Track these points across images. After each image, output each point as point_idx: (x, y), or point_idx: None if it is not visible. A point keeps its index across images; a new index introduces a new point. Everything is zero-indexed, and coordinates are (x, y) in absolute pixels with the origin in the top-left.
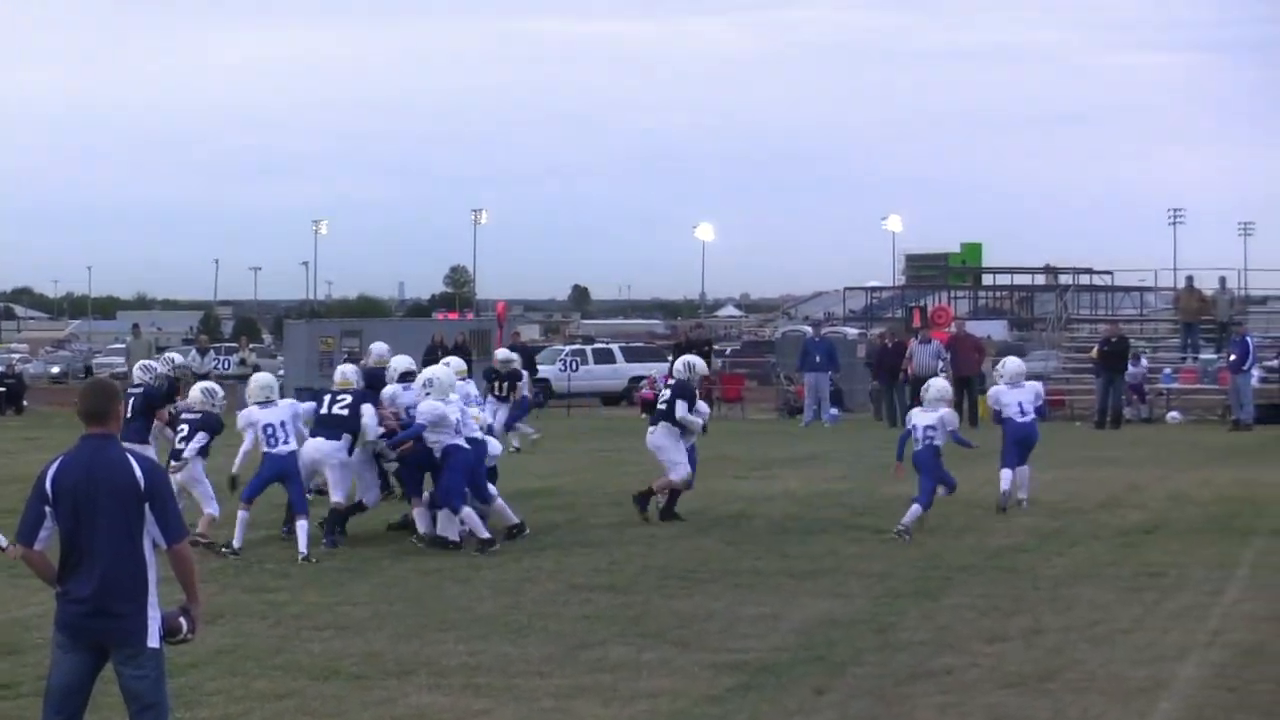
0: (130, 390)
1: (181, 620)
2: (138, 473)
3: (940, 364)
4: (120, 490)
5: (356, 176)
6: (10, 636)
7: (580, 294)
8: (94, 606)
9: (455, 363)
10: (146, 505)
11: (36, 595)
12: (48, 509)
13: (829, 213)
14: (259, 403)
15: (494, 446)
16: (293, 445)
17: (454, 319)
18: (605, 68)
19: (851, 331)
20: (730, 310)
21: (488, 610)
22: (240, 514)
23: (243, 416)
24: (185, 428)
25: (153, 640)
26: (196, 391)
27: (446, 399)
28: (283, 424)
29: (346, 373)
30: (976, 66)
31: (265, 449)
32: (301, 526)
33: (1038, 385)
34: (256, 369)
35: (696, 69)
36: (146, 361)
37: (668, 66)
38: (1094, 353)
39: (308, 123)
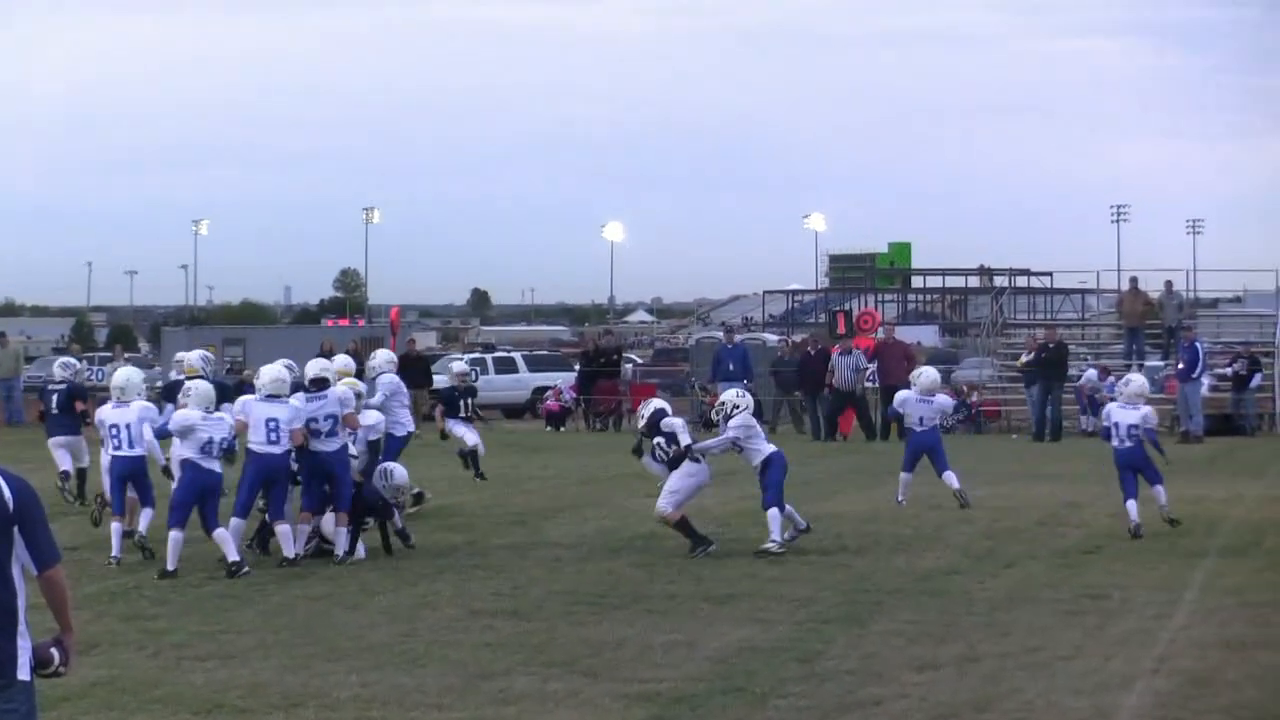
0: (52, 387)
1: (53, 651)
2: (5, 493)
3: (860, 376)
4: None
5: (239, 172)
6: None
7: (480, 298)
8: None
9: (341, 360)
10: (15, 528)
11: None
12: None
13: (746, 210)
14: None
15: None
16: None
17: (344, 325)
18: (498, 51)
19: (771, 338)
20: (641, 315)
21: (381, 638)
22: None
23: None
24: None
25: (22, 672)
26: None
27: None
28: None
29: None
30: (907, 52)
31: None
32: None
33: (947, 400)
34: None
35: (600, 53)
36: (66, 359)
37: (570, 50)
38: (1020, 361)
39: (185, 114)
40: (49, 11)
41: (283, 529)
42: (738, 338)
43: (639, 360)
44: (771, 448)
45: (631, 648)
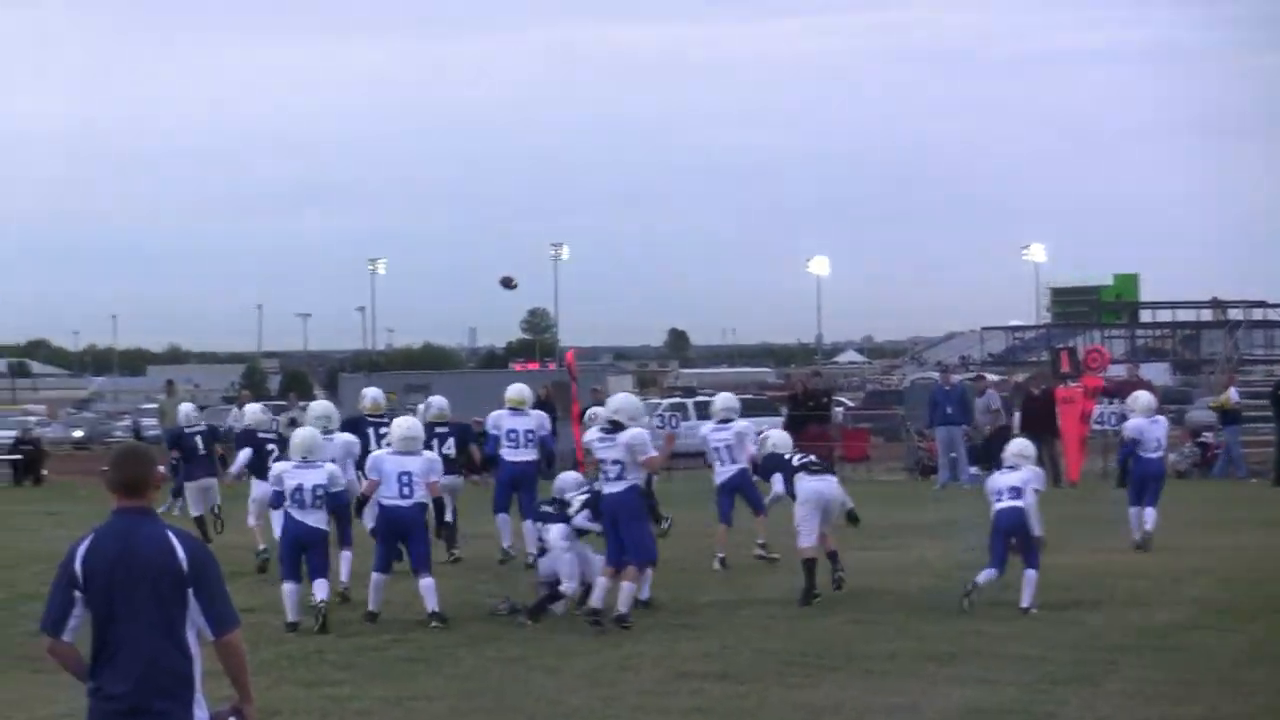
0: (191, 430)
1: None
2: (180, 553)
3: (993, 416)
4: (161, 573)
5: (418, 208)
6: None
7: (678, 339)
8: (131, 705)
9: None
10: (190, 590)
11: (64, 692)
12: (77, 594)
13: (962, 243)
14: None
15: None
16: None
17: (534, 369)
18: (692, 77)
19: (991, 378)
20: (851, 355)
21: (580, 703)
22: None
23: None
24: None
25: None
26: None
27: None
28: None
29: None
30: (1127, 70)
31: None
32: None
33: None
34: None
35: (798, 78)
36: (191, 406)
37: (766, 76)
38: (1222, 400)
39: (359, 148)
40: (212, 46)
41: (426, 583)
42: (955, 378)
43: (850, 403)
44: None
45: (849, 712)
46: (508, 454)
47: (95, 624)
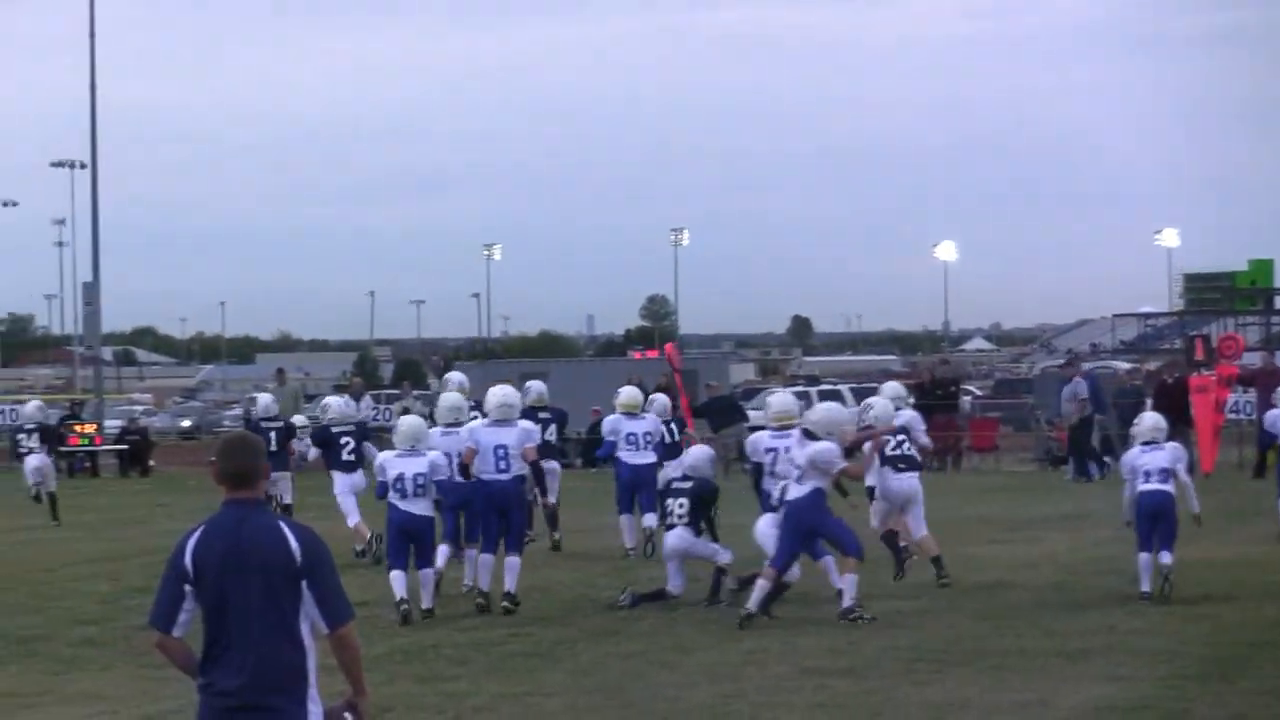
0: (268, 425)
1: (347, 716)
2: (293, 545)
3: (1078, 405)
4: (273, 566)
5: (533, 194)
6: None
7: (801, 326)
8: (243, 701)
9: (455, 377)
10: (304, 583)
11: (170, 687)
12: (187, 588)
13: (1092, 227)
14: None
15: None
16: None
17: (653, 357)
18: (812, 59)
19: (1122, 366)
20: (979, 343)
21: (702, 699)
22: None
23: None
24: None
25: None
26: None
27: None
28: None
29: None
30: (1248, 50)
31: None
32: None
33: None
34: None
35: (924, 60)
36: (269, 398)
37: (889, 58)
38: None
39: (473, 133)
40: (325, 31)
41: (512, 562)
42: (1086, 366)
43: (978, 392)
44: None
45: (976, 709)
46: (627, 456)
47: (206, 618)
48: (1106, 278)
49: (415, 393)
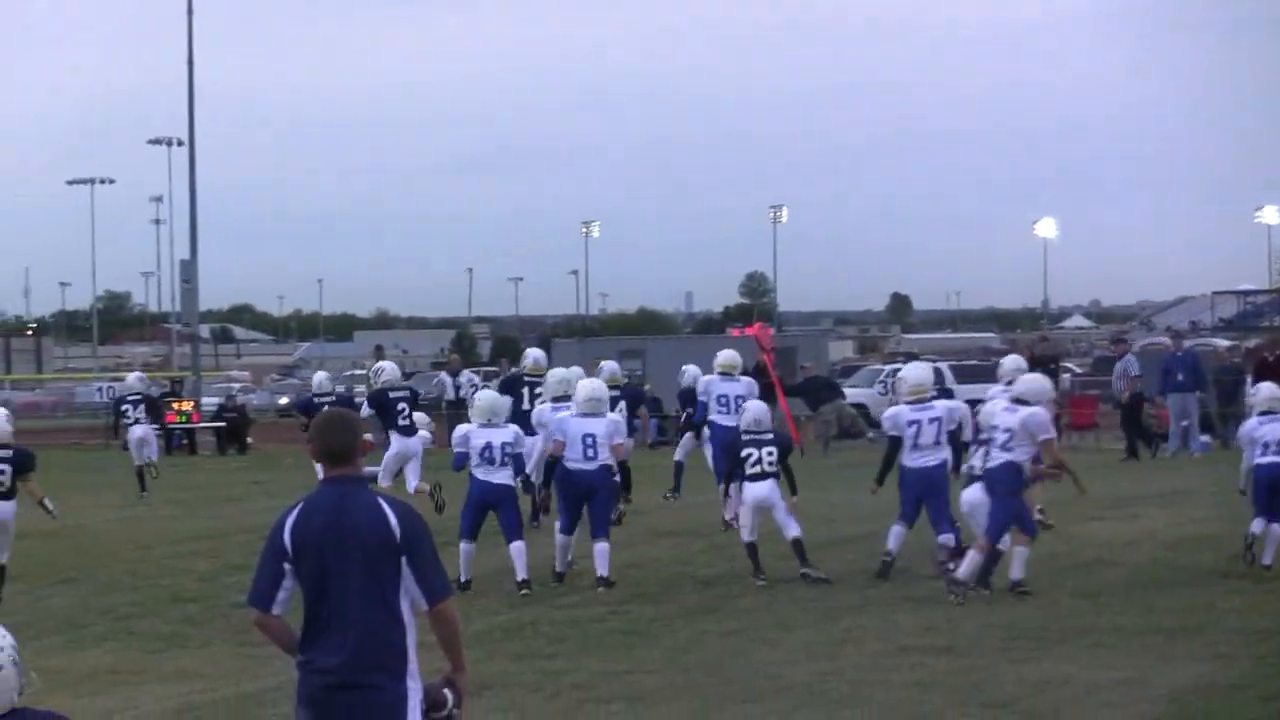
0: (320, 399)
1: (446, 692)
2: (392, 521)
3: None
4: (373, 542)
5: (632, 171)
6: (241, 714)
7: (900, 303)
8: (343, 679)
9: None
10: (404, 559)
11: (269, 665)
12: (286, 566)
13: (1192, 204)
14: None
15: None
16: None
17: (751, 335)
18: (906, 38)
19: (1222, 343)
20: (1078, 320)
21: (801, 677)
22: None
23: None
24: None
25: (413, 716)
26: None
27: (484, 422)
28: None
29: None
30: None
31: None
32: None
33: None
34: None
35: (1022, 38)
36: (325, 375)
37: (985, 36)
38: None
39: (573, 110)
40: (428, 10)
41: (601, 548)
42: (1186, 344)
43: (1077, 370)
44: None
45: (1075, 686)
46: (720, 419)
47: (306, 596)
48: (1206, 255)
49: (512, 369)
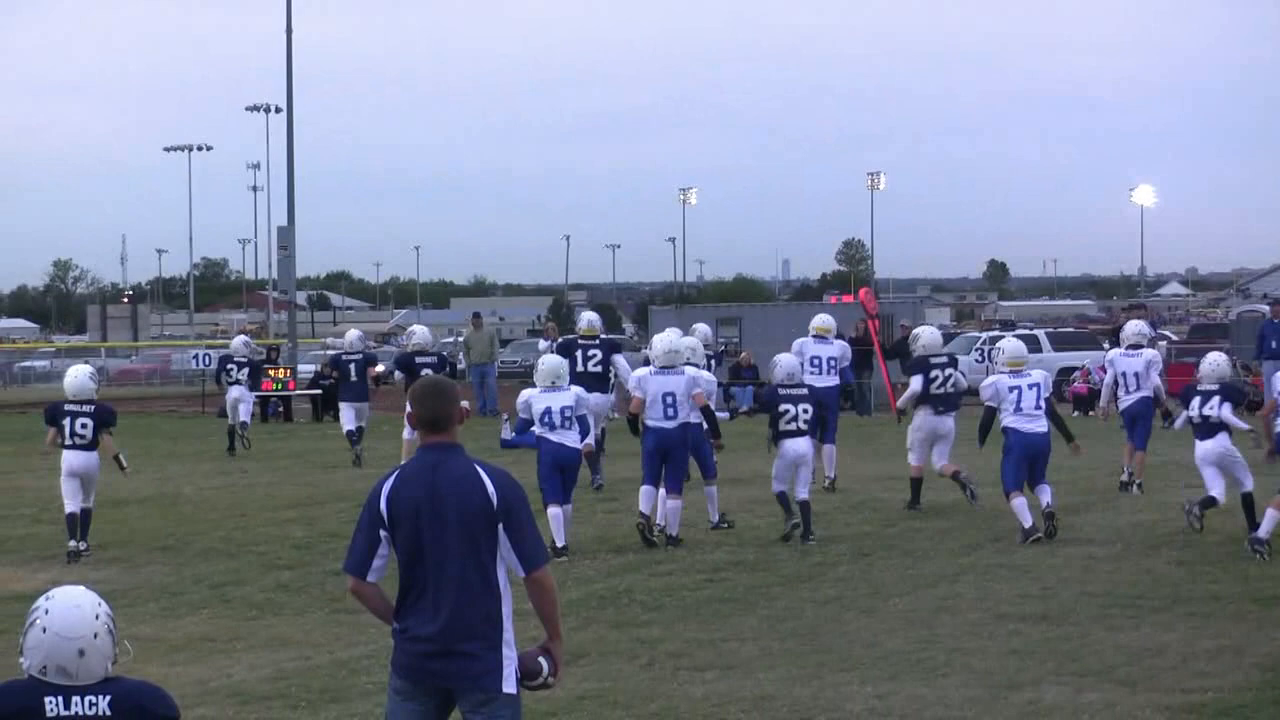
0: (349, 357)
1: (541, 661)
2: (490, 488)
3: None
4: (470, 510)
5: (729, 137)
6: (335, 682)
7: (997, 271)
8: (440, 646)
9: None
10: (501, 526)
11: (364, 633)
12: (383, 534)
13: None
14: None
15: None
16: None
17: (848, 302)
18: (1014, 4)
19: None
20: (1175, 288)
21: (897, 645)
22: (553, 511)
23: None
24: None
25: (508, 685)
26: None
27: (547, 386)
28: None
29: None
30: None
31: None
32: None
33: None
34: None
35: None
36: (358, 333)
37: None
38: None
39: (669, 76)
40: None
41: (675, 505)
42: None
43: (1174, 337)
44: None
45: (1172, 654)
46: (814, 380)
47: (402, 563)
48: None
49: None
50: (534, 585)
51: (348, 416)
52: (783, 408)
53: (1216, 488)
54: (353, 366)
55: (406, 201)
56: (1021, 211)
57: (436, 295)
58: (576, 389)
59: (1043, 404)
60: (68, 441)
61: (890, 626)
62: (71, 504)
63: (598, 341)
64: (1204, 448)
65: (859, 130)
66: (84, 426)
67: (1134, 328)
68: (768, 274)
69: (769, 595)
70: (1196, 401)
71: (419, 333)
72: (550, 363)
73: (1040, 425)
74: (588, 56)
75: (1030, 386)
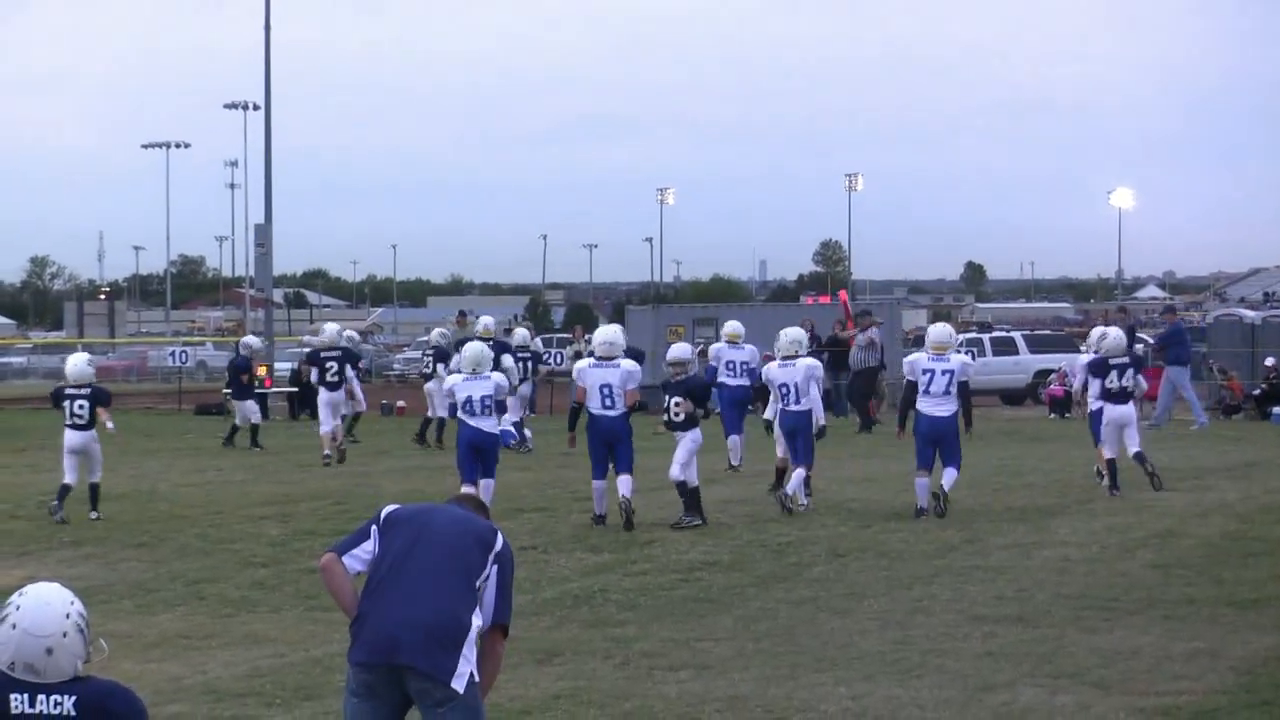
0: (327, 355)
1: None
2: (498, 534)
3: None
4: (471, 532)
5: (707, 138)
6: (310, 679)
7: (975, 272)
8: (411, 625)
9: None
10: (495, 564)
11: (339, 631)
12: (374, 530)
13: (1265, 175)
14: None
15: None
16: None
17: (825, 303)
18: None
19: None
20: (1152, 291)
21: (872, 646)
22: (467, 490)
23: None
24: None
25: (457, 684)
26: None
27: (470, 374)
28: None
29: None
30: None
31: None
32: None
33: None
34: None
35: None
36: (336, 327)
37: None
38: None
39: (642, 78)
40: None
41: (624, 479)
42: (1265, 314)
43: (1151, 340)
44: None
45: (1147, 657)
46: (727, 380)
47: (385, 561)
48: None
49: (586, 337)
50: (491, 640)
51: (325, 415)
52: (665, 397)
53: (1113, 449)
54: (333, 362)
55: (384, 200)
56: (999, 214)
57: (414, 293)
58: (497, 376)
59: (952, 389)
60: (68, 421)
61: (865, 627)
62: (70, 476)
63: (492, 343)
64: (1119, 412)
65: (837, 132)
66: (81, 408)
67: (1101, 334)
68: (745, 274)
69: (744, 595)
70: (1114, 374)
71: (327, 330)
72: (473, 350)
73: (944, 409)
74: (567, 57)
75: (943, 372)
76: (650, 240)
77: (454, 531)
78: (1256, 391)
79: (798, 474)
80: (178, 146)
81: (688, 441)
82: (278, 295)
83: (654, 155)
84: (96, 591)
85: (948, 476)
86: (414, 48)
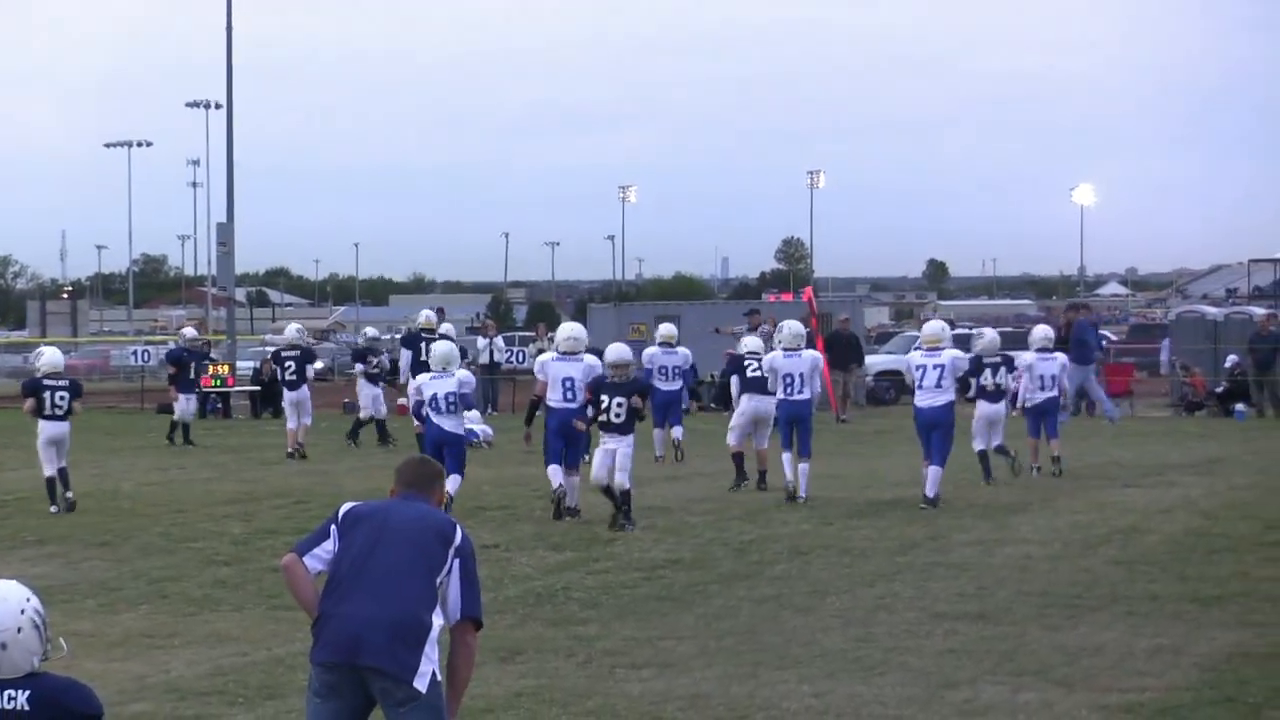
0: (287, 355)
1: None
2: (456, 525)
3: None
4: (430, 526)
5: (666, 135)
6: (272, 678)
7: (937, 270)
8: (373, 625)
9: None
10: (455, 558)
11: (302, 629)
12: (333, 529)
13: (1230, 170)
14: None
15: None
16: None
17: (788, 300)
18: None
19: (1259, 311)
20: (1115, 288)
21: (835, 644)
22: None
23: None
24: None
25: (419, 682)
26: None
27: (438, 372)
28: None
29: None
30: None
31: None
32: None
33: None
34: None
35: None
36: (297, 326)
37: None
38: None
39: (604, 72)
40: None
41: (572, 480)
42: (1214, 310)
43: (1113, 337)
44: None
45: (1110, 654)
46: (661, 384)
47: (345, 560)
48: (1243, 222)
49: (550, 335)
50: (462, 634)
51: (291, 414)
52: (602, 398)
53: (984, 442)
54: (292, 362)
55: (346, 198)
56: (961, 211)
57: (376, 292)
58: (462, 373)
59: (944, 383)
60: (47, 412)
61: (827, 625)
62: (49, 469)
63: (436, 336)
64: (993, 409)
65: (799, 128)
66: (62, 399)
67: (1042, 332)
68: (707, 272)
69: (706, 593)
70: (989, 372)
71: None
72: (441, 349)
73: (935, 400)
74: (528, 52)
75: (935, 366)
76: (612, 238)
77: (414, 528)
78: (1219, 389)
79: (802, 469)
80: (140, 145)
81: (626, 447)
82: (240, 294)
83: (616, 152)
84: (59, 590)
85: (932, 475)
86: (374, 42)
